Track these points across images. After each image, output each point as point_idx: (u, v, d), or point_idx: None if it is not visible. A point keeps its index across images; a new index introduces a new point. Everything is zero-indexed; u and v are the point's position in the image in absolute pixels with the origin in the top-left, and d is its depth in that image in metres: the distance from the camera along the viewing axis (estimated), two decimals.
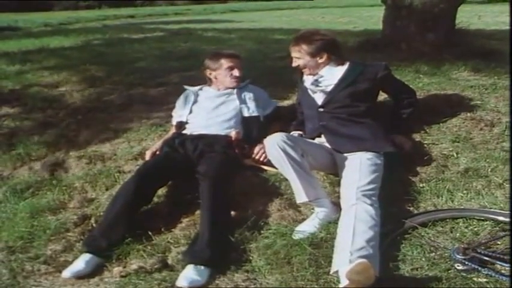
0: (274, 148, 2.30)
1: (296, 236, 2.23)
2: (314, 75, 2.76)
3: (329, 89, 2.70)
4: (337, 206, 2.33)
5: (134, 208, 2.44)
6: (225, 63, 2.96)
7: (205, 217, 2.25)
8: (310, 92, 2.79)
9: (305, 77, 2.86)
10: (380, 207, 2.18)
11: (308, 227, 2.28)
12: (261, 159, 2.75)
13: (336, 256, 1.98)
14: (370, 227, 2.04)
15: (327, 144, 2.61)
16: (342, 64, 2.75)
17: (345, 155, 2.50)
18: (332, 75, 2.74)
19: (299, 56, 2.76)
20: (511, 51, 4.06)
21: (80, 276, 2.15)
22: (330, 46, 2.77)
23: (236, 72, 2.96)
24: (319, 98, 2.74)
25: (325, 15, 16.79)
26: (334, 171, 2.58)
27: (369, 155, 2.44)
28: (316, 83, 2.74)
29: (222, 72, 2.97)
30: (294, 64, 2.81)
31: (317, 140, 2.67)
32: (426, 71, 3.96)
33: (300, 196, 2.31)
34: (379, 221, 2.10)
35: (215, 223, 2.22)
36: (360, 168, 2.34)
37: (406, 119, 2.85)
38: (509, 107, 3.07)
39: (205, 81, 3.10)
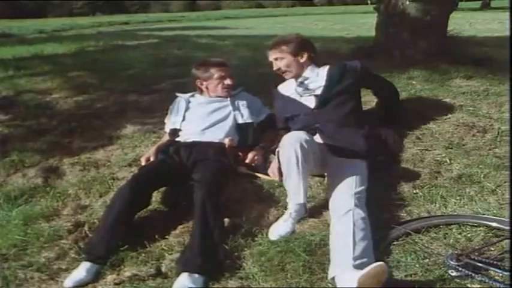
0: (292, 145, 2.28)
1: (272, 237, 2.27)
2: (297, 77, 2.79)
3: (319, 90, 2.71)
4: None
5: (131, 213, 2.42)
6: (215, 72, 2.92)
7: (197, 224, 2.24)
8: (294, 96, 2.79)
9: (285, 84, 2.91)
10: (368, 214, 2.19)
11: (284, 227, 2.32)
12: (255, 163, 2.76)
13: (335, 262, 1.97)
14: (367, 234, 2.06)
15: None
16: (323, 65, 2.81)
17: (339, 158, 2.50)
18: (317, 76, 2.78)
19: (281, 56, 2.80)
20: (511, 54, 4.09)
21: (82, 285, 2.12)
22: (308, 45, 2.85)
23: (228, 81, 2.94)
24: (310, 101, 2.74)
25: (319, 22, 16.90)
26: (322, 173, 2.61)
27: (363, 162, 2.46)
28: (303, 86, 2.76)
29: (213, 82, 2.94)
30: (276, 67, 2.85)
31: None
32: (419, 77, 3.99)
33: (299, 197, 2.33)
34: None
35: (206, 230, 2.21)
36: (356, 174, 2.35)
37: (396, 109, 3.02)
38: (509, 111, 3.09)
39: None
